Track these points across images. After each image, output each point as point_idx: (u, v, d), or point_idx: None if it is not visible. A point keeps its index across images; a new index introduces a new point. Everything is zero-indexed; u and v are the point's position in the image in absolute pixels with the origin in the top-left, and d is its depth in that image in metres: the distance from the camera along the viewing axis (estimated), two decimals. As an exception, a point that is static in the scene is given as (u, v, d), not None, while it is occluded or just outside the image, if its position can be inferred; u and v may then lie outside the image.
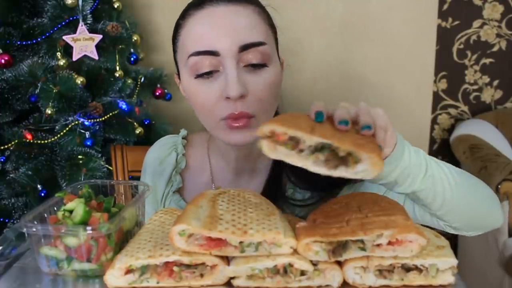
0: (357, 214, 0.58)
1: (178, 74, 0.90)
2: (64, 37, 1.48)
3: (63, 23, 1.51)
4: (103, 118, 1.51)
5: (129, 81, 1.66)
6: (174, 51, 0.88)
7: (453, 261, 0.56)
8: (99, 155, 1.47)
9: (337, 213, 0.60)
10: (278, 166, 0.92)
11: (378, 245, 0.55)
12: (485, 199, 0.79)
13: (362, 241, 0.55)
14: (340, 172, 0.54)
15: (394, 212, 0.58)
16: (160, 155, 1.00)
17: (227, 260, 0.58)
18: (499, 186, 1.75)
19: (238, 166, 0.93)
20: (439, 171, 0.69)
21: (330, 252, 0.56)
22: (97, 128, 1.51)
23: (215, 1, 0.81)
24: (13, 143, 1.45)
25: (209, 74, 0.80)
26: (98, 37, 1.51)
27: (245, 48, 0.79)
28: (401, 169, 0.65)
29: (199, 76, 0.80)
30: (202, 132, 1.00)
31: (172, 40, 0.87)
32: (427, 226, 0.70)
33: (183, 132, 1.04)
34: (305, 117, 0.58)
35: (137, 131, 1.59)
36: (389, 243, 0.55)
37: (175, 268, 0.57)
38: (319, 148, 0.54)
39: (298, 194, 0.91)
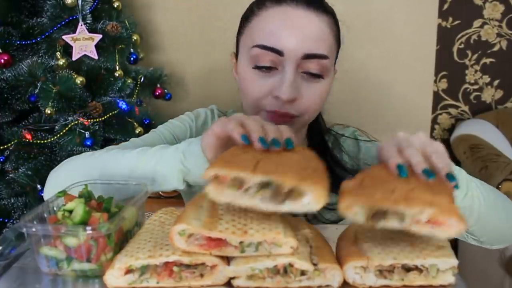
0: (403, 185, 0.56)
1: (236, 54, 0.91)
2: (63, 37, 1.48)
3: (63, 23, 1.51)
4: (103, 118, 1.51)
5: (129, 81, 1.66)
6: (240, 32, 0.89)
7: (453, 261, 0.56)
8: (99, 155, 1.46)
9: (384, 180, 0.58)
10: None
11: (416, 221, 0.54)
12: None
13: (402, 213, 0.54)
14: (288, 207, 0.54)
15: (441, 192, 0.56)
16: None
17: (227, 260, 0.58)
18: (499, 186, 1.75)
19: None
20: (476, 190, 0.70)
21: (369, 216, 0.55)
22: (97, 128, 1.51)
23: (295, 2, 0.82)
24: (12, 143, 1.45)
25: (267, 69, 0.82)
26: (97, 37, 1.51)
27: (308, 57, 0.81)
28: None
29: (257, 68, 0.83)
30: None
31: (241, 20, 0.88)
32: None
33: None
34: (253, 150, 0.58)
35: (137, 131, 1.59)
36: (428, 221, 0.54)
37: (175, 268, 0.57)
38: (265, 184, 0.54)
39: (331, 198, 0.91)
